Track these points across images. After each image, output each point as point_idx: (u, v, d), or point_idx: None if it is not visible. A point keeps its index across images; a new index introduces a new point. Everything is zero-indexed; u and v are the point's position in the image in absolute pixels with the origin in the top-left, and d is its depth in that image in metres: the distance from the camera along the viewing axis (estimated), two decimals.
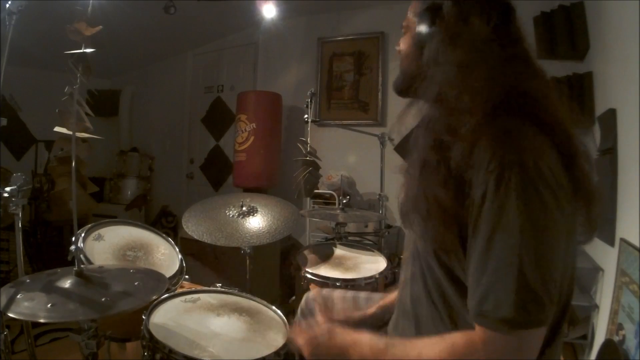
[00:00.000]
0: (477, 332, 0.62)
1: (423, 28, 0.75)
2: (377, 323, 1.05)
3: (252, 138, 3.44)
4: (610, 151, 1.76)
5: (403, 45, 0.84)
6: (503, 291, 0.58)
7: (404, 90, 0.84)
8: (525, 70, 0.70)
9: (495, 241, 0.60)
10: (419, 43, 0.77)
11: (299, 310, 1.15)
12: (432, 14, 0.74)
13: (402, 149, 3.17)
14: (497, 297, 0.59)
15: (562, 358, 0.75)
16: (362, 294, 1.15)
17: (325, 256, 1.81)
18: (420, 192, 0.68)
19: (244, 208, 1.66)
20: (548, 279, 0.59)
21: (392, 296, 1.05)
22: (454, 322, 0.71)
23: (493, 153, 0.60)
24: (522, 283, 0.58)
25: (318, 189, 2.71)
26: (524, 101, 0.66)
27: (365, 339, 0.75)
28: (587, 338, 1.92)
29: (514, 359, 0.60)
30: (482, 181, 0.61)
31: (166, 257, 1.49)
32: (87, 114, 1.02)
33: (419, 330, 0.78)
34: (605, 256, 1.83)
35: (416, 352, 0.67)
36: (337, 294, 1.16)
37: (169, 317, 1.10)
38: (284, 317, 1.18)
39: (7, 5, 1.29)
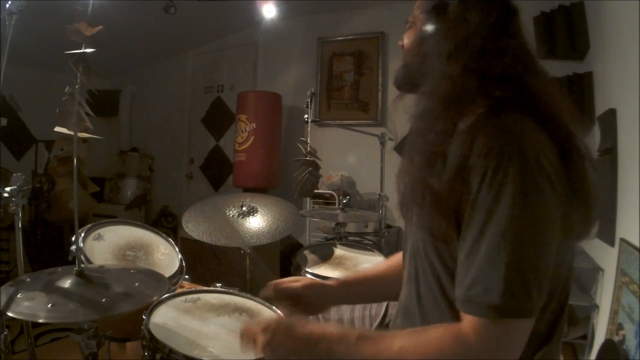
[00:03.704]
0: (466, 321, 0.62)
1: (428, 24, 0.77)
2: (335, 304, 1.00)
3: (252, 138, 3.44)
4: (610, 151, 1.76)
5: (407, 39, 0.84)
6: (493, 277, 0.59)
7: (403, 84, 0.85)
8: (524, 66, 0.71)
9: (489, 228, 0.60)
10: (423, 38, 0.78)
11: None
12: (437, 10, 0.76)
13: (402, 149, 3.17)
14: (487, 282, 0.59)
15: (562, 358, 0.75)
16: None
17: (325, 256, 1.81)
18: (417, 182, 0.68)
19: (244, 208, 1.66)
20: (539, 270, 0.60)
21: (353, 276, 1.02)
22: (456, 319, 0.69)
23: (494, 142, 0.61)
24: (512, 270, 0.58)
25: (318, 189, 2.71)
26: (524, 97, 0.67)
27: (335, 331, 0.68)
28: (587, 338, 1.92)
29: (500, 349, 0.59)
30: (481, 168, 0.61)
31: (166, 257, 1.49)
32: (87, 114, 1.02)
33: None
34: (605, 256, 1.83)
35: (397, 346, 0.63)
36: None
37: (169, 317, 1.10)
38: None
39: (7, 5, 1.29)
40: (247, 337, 0.75)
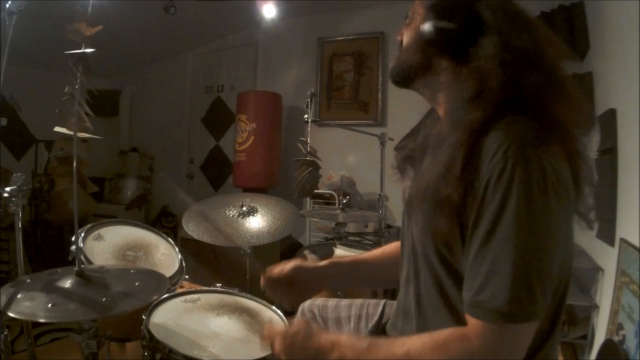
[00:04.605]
0: (471, 325, 0.62)
1: (438, 23, 0.72)
2: (326, 284, 1.02)
3: (252, 138, 3.44)
4: (610, 151, 1.76)
5: (407, 36, 0.80)
6: (500, 282, 0.59)
7: (402, 81, 0.81)
8: (526, 64, 0.67)
9: (495, 232, 0.60)
10: (426, 36, 0.74)
11: (299, 311, 1.14)
12: (451, 12, 0.72)
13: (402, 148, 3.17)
14: (494, 287, 0.59)
15: (561, 358, 0.75)
16: (358, 301, 1.11)
17: (325, 256, 1.81)
18: (430, 184, 0.67)
19: (244, 208, 1.66)
20: (544, 274, 0.60)
21: (346, 258, 1.03)
22: (456, 320, 0.70)
23: (499, 146, 0.61)
24: (518, 276, 0.58)
25: (318, 189, 2.71)
26: (526, 98, 0.65)
27: (346, 340, 0.72)
28: (587, 338, 1.92)
29: (505, 352, 0.60)
30: (486, 172, 0.61)
31: (166, 257, 1.49)
32: (87, 114, 1.02)
33: (419, 329, 0.77)
34: (605, 256, 1.83)
35: (403, 351, 0.65)
36: (332, 302, 1.13)
37: (169, 317, 1.10)
38: (284, 317, 1.18)
39: (7, 5, 1.29)
40: (267, 338, 0.80)
